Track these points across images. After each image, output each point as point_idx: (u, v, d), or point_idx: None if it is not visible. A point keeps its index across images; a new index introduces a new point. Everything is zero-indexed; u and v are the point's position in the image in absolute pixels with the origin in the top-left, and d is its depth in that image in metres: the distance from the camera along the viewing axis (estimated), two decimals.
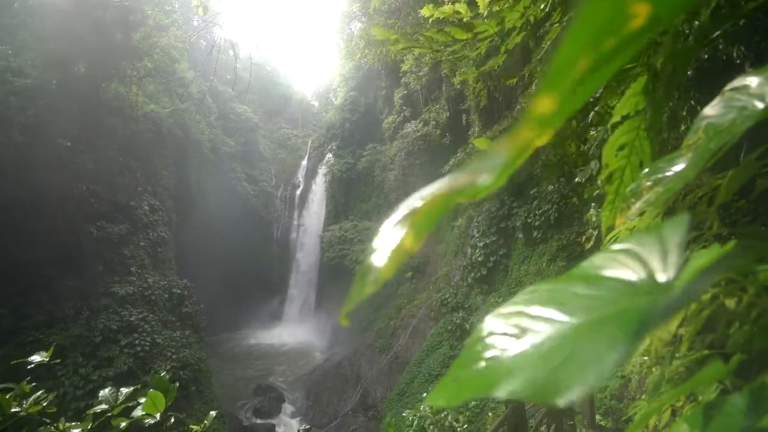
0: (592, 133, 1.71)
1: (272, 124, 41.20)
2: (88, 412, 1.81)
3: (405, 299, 21.49)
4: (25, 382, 1.69)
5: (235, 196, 29.69)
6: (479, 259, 15.79)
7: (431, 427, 3.63)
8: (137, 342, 14.45)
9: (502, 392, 0.24)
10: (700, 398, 0.70)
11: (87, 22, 16.10)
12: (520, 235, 14.48)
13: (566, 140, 1.63)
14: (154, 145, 21.17)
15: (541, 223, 13.27)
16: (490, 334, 0.31)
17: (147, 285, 16.64)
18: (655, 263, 0.31)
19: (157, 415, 1.77)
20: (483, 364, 0.28)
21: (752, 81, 0.45)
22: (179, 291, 17.51)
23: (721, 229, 0.77)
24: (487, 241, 15.83)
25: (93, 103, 17.60)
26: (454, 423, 3.91)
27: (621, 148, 0.89)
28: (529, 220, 13.73)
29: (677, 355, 0.78)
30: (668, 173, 0.46)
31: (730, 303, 0.64)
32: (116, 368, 13.62)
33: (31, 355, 1.95)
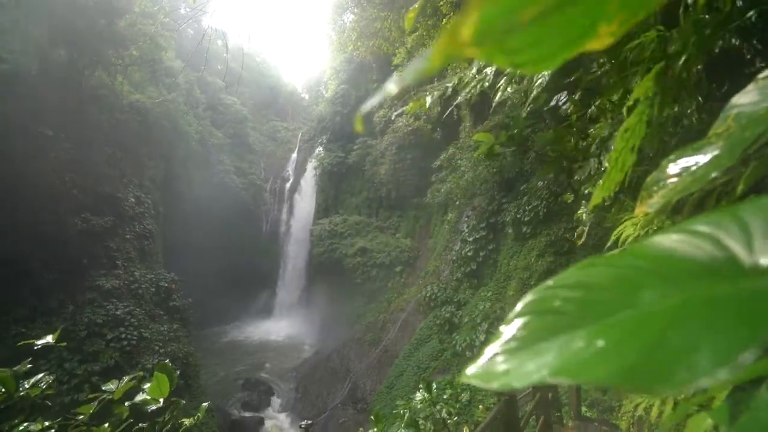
0: (591, 130, 1.72)
1: (262, 116, 40.68)
2: (90, 395, 1.80)
3: (394, 293, 21.57)
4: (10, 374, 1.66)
5: (224, 189, 29.31)
6: (468, 253, 15.90)
7: (423, 420, 3.65)
8: (124, 336, 14.23)
9: (591, 377, 0.21)
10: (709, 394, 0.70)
11: (68, 5, 15.57)
12: (510, 231, 14.61)
13: (566, 136, 1.62)
14: (140, 135, 20.71)
15: (530, 219, 13.40)
16: (541, 310, 0.28)
17: (134, 278, 16.37)
18: (736, 247, 0.28)
19: (161, 400, 1.76)
20: (542, 342, 0.25)
21: None
22: (167, 284, 17.26)
23: None
24: (477, 236, 15.94)
25: (75, 91, 17.11)
26: (446, 416, 3.94)
27: (626, 130, 0.89)
28: (518, 216, 13.86)
29: None
30: (697, 162, 0.45)
31: None
32: (102, 363, 13.40)
33: (14, 350, 1.92)
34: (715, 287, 0.25)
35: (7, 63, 14.75)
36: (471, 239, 16.03)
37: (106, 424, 1.71)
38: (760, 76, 0.43)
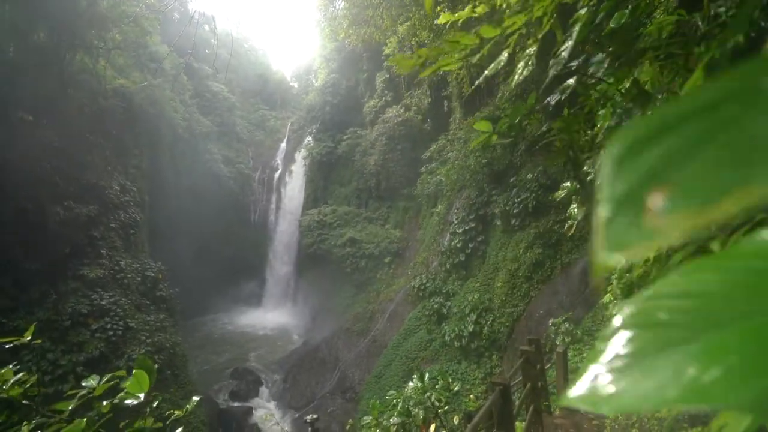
0: (599, 120, 1.70)
1: (250, 104, 39.99)
2: (69, 392, 1.75)
3: (383, 284, 21.67)
4: None
5: (211, 178, 28.86)
6: (457, 245, 16.02)
7: (416, 408, 3.69)
8: (109, 326, 14.02)
9: (722, 401, 0.18)
10: None
11: None
12: (498, 222, 14.74)
13: (573, 125, 1.61)
14: (124, 122, 20.18)
15: (519, 211, 13.54)
16: (643, 323, 0.25)
17: (119, 268, 16.08)
18: None
19: (141, 396, 1.72)
20: (654, 361, 0.22)
21: None
22: (153, 274, 17.01)
23: None
24: (466, 228, 16.06)
25: (56, 75, 16.51)
26: (437, 403, 3.98)
27: None
28: (507, 208, 13.98)
29: None
30: None
31: None
32: (87, 353, 13.20)
33: None
34: None
35: None
36: (460, 231, 16.14)
37: (84, 419, 1.67)
38: None
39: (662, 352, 0.22)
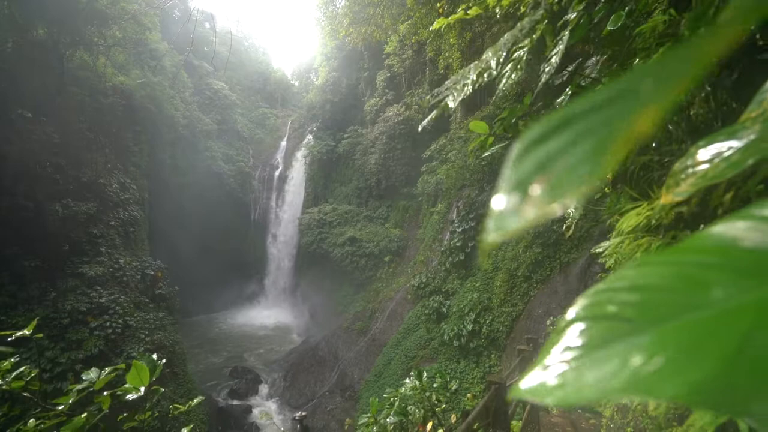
0: None
1: (250, 102, 39.93)
2: (70, 386, 1.75)
3: (383, 283, 21.66)
4: None
5: (212, 176, 28.84)
6: (457, 244, 16.01)
7: (413, 406, 3.68)
8: (108, 324, 14.01)
9: (665, 393, 0.18)
10: None
11: None
12: None
13: None
14: (124, 119, 20.15)
15: None
16: (597, 315, 0.25)
17: (118, 266, 16.07)
18: None
19: (141, 389, 1.73)
20: (602, 352, 0.22)
21: None
22: (152, 272, 17.01)
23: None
24: (466, 227, 16.04)
25: (56, 71, 16.49)
26: (436, 402, 3.98)
27: None
28: None
29: None
30: (730, 147, 0.43)
31: None
32: (86, 351, 13.19)
33: None
34: None
35: None
36: (460, 230, 16.13)
37: (84, 414, 1.68)
38: None
39: (609, 344, 0.23)
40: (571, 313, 0.27)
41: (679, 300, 0.23)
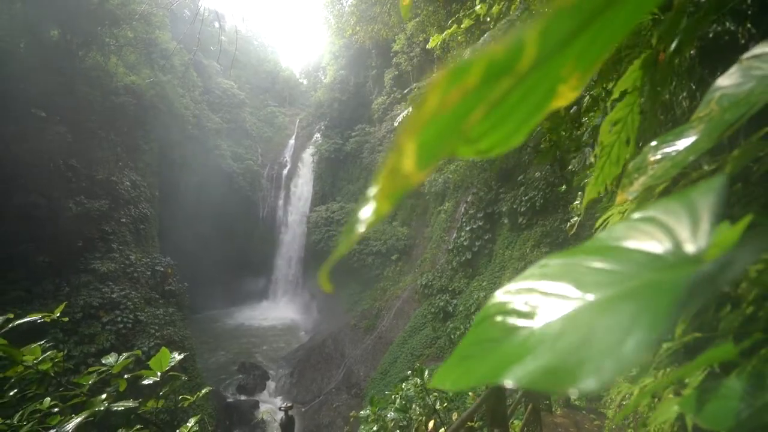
0: (585, 120, 1.69)
1: (259, 101, 40.21)
2: (90, 368, 1.84)
3: (390, 281, 21.69)
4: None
5: (221, 174, 29.12)
6: (464, 243, 15.96)
7: (415, 405, 3.70)
8: (119, 319, 14.27)
9: (510, 379, 0.21)
10: (686, 380, 0.70)
11: None
12: (506, 221, 14.65)
13: (560, 125, 1.60)
14: (135, 118, 20.45)
15: (526, 209, 13.43)
16: (498, 312, 0.28)
17: (129, 262, 16.35)
18: (684, 233, 0.27)
19: (158, 374, 1.83)
20: (490, 346, 0.25)
21: None
22: (162, 269, 17.26)
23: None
24: (473, 226, 15.98)
25: (69, 72, 16.80)
26: (436, 401, 3.99)
27: (615, 123, 0.87)
28: (515, 206, 13.88)
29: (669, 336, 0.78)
30: (677, 146, 0.43)
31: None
32: (98, 345, 13.46)
33: (10, 332, 1.95)
34: (658, 276, 0.24)
35: None
36: (467, 228, 16.07)
37: (103, 395, 1.78)
38: (744, 56, 0.42)
39: (502, 339, 0.25)
40: (483, 309, 0.29)
41: (560, 299, 0.25)
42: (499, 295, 0.29)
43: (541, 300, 0.26)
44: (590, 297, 0.24)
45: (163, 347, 1.78)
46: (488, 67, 0.18)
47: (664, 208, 0.29)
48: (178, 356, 1.94)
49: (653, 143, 0.47)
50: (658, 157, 0.45)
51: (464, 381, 0.23)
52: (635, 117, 0.89)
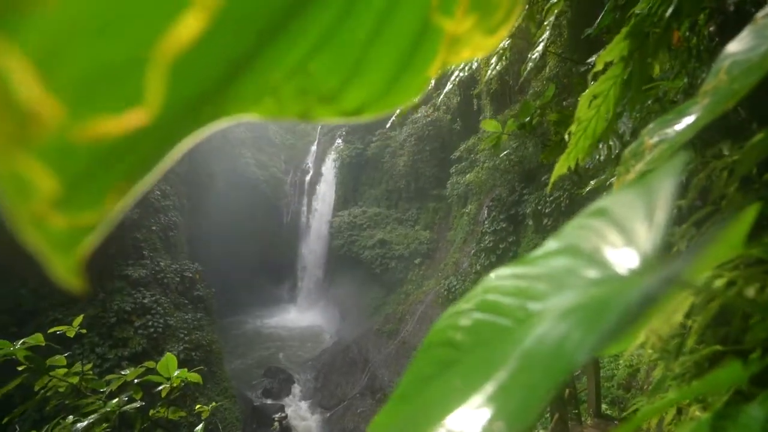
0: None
1: None
2: (108, 377, 1.95)
3: (413, 285, 21.52)
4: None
5: (245, 182, 29.85)
6: (488, 245, 15.65)
7: None
8: (150, 323, 14.78)
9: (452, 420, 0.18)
10: (709, 399, 0.62)
11: None
12: (530, 222, 14.27)
13: (569, 118, 1.51)
14: None
15: (551, 210, 13.03)
16: (439, 342, 0.25)
17: (159, 268, 16.93)
18: (639, 227, 0.23)
19: (167, 379, 1.89)
20: (424, 384, 0.23)
21: None
22: (191, 274, 17.78)
23: (743, 203, 0.66)
24: (497, 228, 15.65)
25: None
26: None
27: (595, 97, 0.79)
28: (539, 207, 13.50)
29: (684, 349, 0.69)
30: (677, 127, 0.37)
31: (750, 291, 0.54)
32: (131, 348, 13.98)
33: (53, 334, 2.09)
34: (591, 290, 0.21)
35: None
36: (491, 231, 15.76)
37: (117, 399, 1.84)
38: (759, 14, 0.34)
39: (442, 373, 0.22)
40: (428, 337, 0.26)
41: (498, 320, 0.22)
42: (445, 319, 0.26)
43: (478, 324, 0.24)
44: (529, 317, 0.21)
45: (168, 353, 1.79)
46: None
47: (620, 198, 0.26)
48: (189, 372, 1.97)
49: (651, 126, 0.40)
50: (656, 140, 0.38)
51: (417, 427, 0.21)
52: (616, 89, 0.81)
